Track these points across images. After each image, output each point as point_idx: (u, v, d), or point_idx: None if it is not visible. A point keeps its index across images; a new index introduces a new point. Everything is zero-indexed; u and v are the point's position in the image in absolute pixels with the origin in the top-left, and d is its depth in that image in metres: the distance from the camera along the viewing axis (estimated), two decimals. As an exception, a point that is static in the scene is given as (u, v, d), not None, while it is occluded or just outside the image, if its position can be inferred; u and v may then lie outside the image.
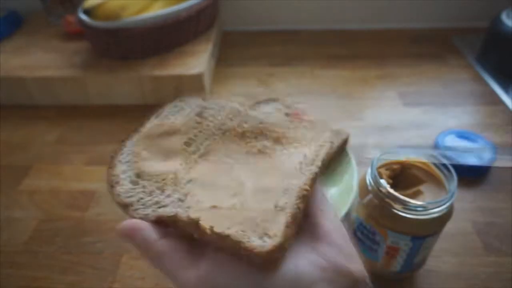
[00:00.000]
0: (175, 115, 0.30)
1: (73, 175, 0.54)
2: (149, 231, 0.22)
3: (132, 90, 0.65)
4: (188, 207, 0.23)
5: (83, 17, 0.64)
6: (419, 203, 0.33)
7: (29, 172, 0.54)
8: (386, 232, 0.35)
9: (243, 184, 0.24)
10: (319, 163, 0.24)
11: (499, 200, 0.49)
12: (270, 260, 0.20)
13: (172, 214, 0.22)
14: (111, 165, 0.27)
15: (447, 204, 0.33)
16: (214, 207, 0.23)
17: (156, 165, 0.26)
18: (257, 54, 0.79)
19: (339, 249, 0.21)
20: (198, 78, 0.63)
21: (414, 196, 0.35)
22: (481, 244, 0.44)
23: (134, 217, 0.24)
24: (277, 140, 0.27)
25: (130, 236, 0.23)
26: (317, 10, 0.86)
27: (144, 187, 0.25)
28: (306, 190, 0.22)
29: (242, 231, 0.20)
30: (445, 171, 0.35)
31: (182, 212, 0.22)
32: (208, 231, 0.21)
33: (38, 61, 0.68)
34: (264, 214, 0.21)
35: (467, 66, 0.74)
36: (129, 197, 0.25)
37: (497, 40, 0.71)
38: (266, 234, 0.20)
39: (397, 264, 0.38)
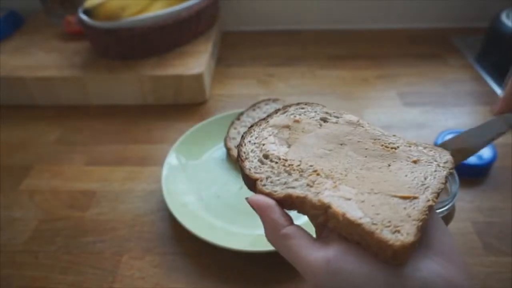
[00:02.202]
0: (300, 115, 0.31)
1: (73, 175, 0.54)
2: (279, 214, 0.24)
3: (132, 90, 0.65)
4: (317, 193, 0.24)
5: (83, 17, 0.64)
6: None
7: (29, 172, 0.54)
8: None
9: (370, 184, 0.25)
10: (442, 181, 0.25)
11: (499, 200, 0.49)
12: (400, 256, 0.20)
13: (303, 195, 0.24)
14: (241, 143, 0.28)
15: (448, 206, 0.33)
16: (345, 197, 0.23)
17: (281, 151, 0.27)
18: (257, 54, 0.79)
19: (457, 266, 0.21)
20: (198, 78, 0.63)
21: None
22: (480, 244, 0.44)
23: (263, 192, 0.25)
24: (388, 153, 0.28)
25: (261, 211, 0.24)
26: (317, 10, 0.86)
27: (272, 167, 0.26)
28: (433, 201, 0.23)
29: (374, 223, 0.21)
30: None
31: (312, 195, 0.24)
32: (341, 217, 0.22)
33: (38, 61, 0.68)
34: (395, 215, 0.22)
35: (467, 66, 0.74)
36: (258, 173, 0.26)
37: (497, 40, 0.71)
38: (398, 231, 0.21)
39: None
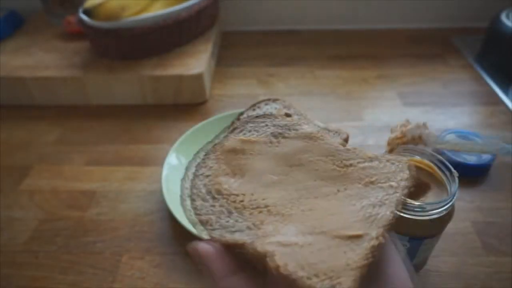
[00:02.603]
0: (250, 131, 0.29)
1: (74, 175, 0.54)
2: (219, 264, 0.22)
3: (132, 90, 0.65)
4: (260, 236, 0.22)
5: (83, 17, 0.64)
6: (417, 203, 0.33)
7: (30, 172, 0.54)
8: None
9: (315, 220, 0.23)
10: (393, 209, 0.22)
11: (499, 200, 0.49)
12: None
13: (240, 242, 0.22)
14: (184, 178, 0.26)
15: (447, 206, 0.33)
16: (285, 242, 0.21)
17: (235, 184, 0.25)
18: (257, 54, 0.79)
19: None
20: (198, 78, 0.63)
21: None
22: (480, 244, 0.44)
23: (202, 237, 0.23)
24: (341, 174, 0.25)
25: (202, 261, 0.22)
26: (317, 10, 0.86)
27: (221, 205, 0.24)
28: (380, 240, 0.21)
29: (309, 278, 0.19)
30: (447, 173, 0.35)
31: (250, 241, 0.22)
32: (274, 271, 0.20)
33: (38, 61, 0.68)
34: (335, 262, 0.20)
35: (467, 66, 0.74)
36: (203, 214, 0.24)
37: (497, 40, 0.71)
38: (337, 284, 0.19)
39: (396, 264, 0.38)
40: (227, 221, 0.23)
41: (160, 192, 0.48)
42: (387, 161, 0.25)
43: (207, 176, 0.26)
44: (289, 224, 0.22)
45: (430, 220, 0.33)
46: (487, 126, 0.60)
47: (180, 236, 0.45)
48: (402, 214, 0.33)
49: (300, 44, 0.82)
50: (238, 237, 0.22)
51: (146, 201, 0.50)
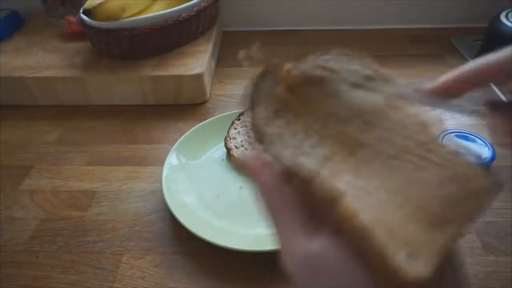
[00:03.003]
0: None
1: (74, 175, 0.54)
2: (268, 175, 0.20)
3: (132, 90, 0.65)
4: (334, 174, 0.19)
5: (84, 17, 0.64)
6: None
7: (30, 172, 0.55)
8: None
9: (400, 183, 0.19)
10: (479, 211, 0.20)
11: (498, 199, 0.49)
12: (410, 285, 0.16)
13: (314, 171, 0.18)
14: (252, 87, 0.23)
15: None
16: (366, 190, 0.18)
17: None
18: (257, 54, 0.79)
19: None
20: (198, 78, 0.63)
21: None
22: (480, 244, 0.44)
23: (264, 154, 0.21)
24: (422, 154, 0.21)
25: (256, 172, 0.20)
26: (317, 10, 0.86)
27: (288, 122, 0.21)
28: (465, 229, 0.19)
29: (392, 239, 0.17)
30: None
31: (326, 176, 0.18)
32: (344, 216, 0.17)
33: (38, 61, 0.68)
34: (417, 235, 0.17)
35: (467, 66, 0.74)
36: (268, 125, 0.21)
37: (496, 40, 0.71)
38: (415, 258, 0.16)
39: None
40: (294, 143, 0.20)
41: (160, 192, 0.48)
42: (470, 166, 0.21)
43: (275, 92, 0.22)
44: (369, 174, 0.19)
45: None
46: (487, 126, 0.60)
47: (180, 235, 0.45)
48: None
49: (300, 44, 0.82)
50: (309, 165, 0.19)
51: (146, 201, 0.50)
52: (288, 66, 0.24)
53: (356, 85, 0.24)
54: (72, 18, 0.73)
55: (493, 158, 0.51)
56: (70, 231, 0.47)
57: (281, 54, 0.79)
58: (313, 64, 0.24)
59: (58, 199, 0.51)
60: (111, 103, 0.67)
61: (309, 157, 0.19)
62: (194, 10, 0.68)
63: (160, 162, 0.52)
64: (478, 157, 0.51)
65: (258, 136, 0.21)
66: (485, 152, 0.52)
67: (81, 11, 0.65)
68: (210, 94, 0.68)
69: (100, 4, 0.62)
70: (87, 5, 0.63)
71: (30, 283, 0.42)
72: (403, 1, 0.84)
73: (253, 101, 0.22)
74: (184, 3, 0.67)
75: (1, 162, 0.56)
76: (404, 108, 0.23)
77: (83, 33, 0.68)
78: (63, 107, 0.67)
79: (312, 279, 0.18)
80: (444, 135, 0.54)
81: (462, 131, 0.55)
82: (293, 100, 0.23)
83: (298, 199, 0.19)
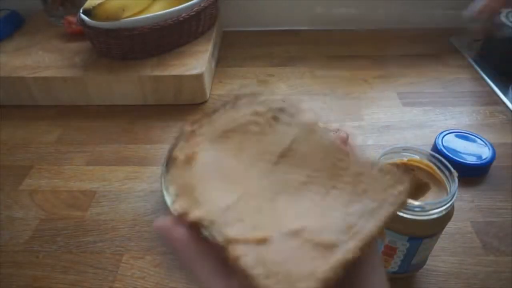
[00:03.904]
0: (245, 110, 0.26)
1: (74, 175, 0.54)
2: (185, 232, 0.21)
3: (132, 90, 0.65)
4: (225, 221, 0.20)
5: (84, 17, 0.64)
6: (417, 203, 0.33)
7: (30, 172, 0.55)
8: (384, 231, 0.35)
9: (292, 219, 0.21)
10: (381, 224, 0.20)
11: (498, 199, 0.49)
12: None
13: (202, 220, 0.20)
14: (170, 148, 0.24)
15: (447, 206, 0.33)
16: (252, 234, 0.20)
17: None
18: (257, 54, 0.79)
19: None
20: (198, 78, 0.63)
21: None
22: (480, 244, 0.44)
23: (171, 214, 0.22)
24: (333, 175, 0.23)
25: (165, 233, 0.21)
26: (317, 10, 0.86)
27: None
28: (356, 253, 0.19)
29: (267, 277, 0.18)
30: (447, 173, 0.35)
31: (218, 226, 0.20)
32: (231, 261, 0.19)
33: (38, 61, 0.68)
34: (299, 267, 0.18)
35: (467, 66, 0.74)
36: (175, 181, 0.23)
37: (496, 40, 0.71)
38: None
39: (394, 265, 0.38)
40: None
41: (160, 192, 0.48)
42: (387, 171, 0.22)
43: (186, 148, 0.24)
44: (261, 216, 0.21)
45: (430, 220, 0.33)
46: (486, 126, 0.60)
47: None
48: (402, 214, 0.33)
49: (300, 44, 0.82)
50: (202, 215, 0.20)
51: (146, 201, 0.50)
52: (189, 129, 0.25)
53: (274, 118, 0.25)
54: (72, 18, 0.73)
55: (493, 158, 0.51)
56: (70, 231, 0.47)
57: (281, 54, 0.79)
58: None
59: (58, 199, 0.51)
60: (111, 103, 0.67)
61: (211, 205, 0.21)
62: (194, 10, 0.68)
63: (160, 162, 0.52)
64: (479, 157, 0.51)
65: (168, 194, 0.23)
66: (485, 152, 0.52)
67: (81, 11, 0.65)
68: (210, 94, 0.68)
69: (100, 4, 0.62)
70: (87, 5, 0.63)
71: (30, 283, 0.42)
72: (403, 1, 0.84)
73: (168, 161, 0.24)
74: (184, 3, 0.67)
75: (1, 162, 0.56)
76: (316, 134, 0.24)
77: (83, 33, 0.68)
78: (63, 107, 0.67)
79: None
80: (445, 136, 0.54)
81: (462, 131, 0.55)
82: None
83: (210, 249, 0.21)
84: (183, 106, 0.66)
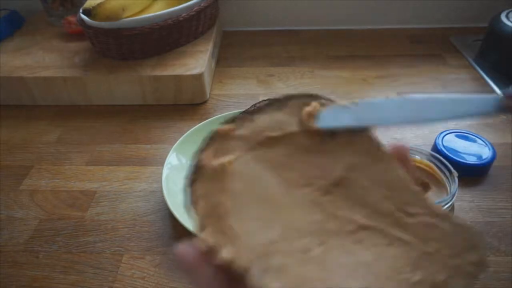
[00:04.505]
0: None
1: (74, 175, 0.54)
2: (213, 274, 0.18)
3: (132, 90, 0.65)
4: (267, 270, 0.16)
5: (83, 17, 0.64)
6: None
7: (30, 172, 0.55)
8: None
9: (334, 272, 0.17)
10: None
11: (498, 199, 0.49)
12: None
13: (240, 266, 0.17)
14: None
15: (447, 206, 0.33)
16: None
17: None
18: (257, 54, 0.79)
19: None
20: (198, 78, 0.63)
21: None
22: (480, 244, 0.44)
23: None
24: (399, 222, 0.18)
25: (189, 268, 0.18)
26: (317, 10, 0.86)
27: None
28: None
29: None
30: (447, 173, 0.35)
31: (255, 273, 0.16)
32: None
33: (38, 61, 0.68)
34: None
35: (467, 66, 0.74)
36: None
37: (496, 40, 0.71)
38: None
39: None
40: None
41: (160, 192, 0.48)
42: (461, 227, 0.18)
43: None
44: (308, 268, 0.17)
45: (430, 219, 0.33)
46: (486, 126, 0.60)
47: (180, 235, 0.45)
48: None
49: (300, 44, 0.82)
50: (235, 256, 0.17)
51: (146, 201, 0.50)
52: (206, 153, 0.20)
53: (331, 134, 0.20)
54: (72, 18, 0.73)
55: (493, 158, 0.51)
56: (70, 231, 0.47)
57: (281, 54, 0.79)
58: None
59: (58, 199, 0.51)
60: (111, 103, 0.67)
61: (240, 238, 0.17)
62: (194, 10, 0.68)
63: (160, 162, 0.52)
64: (479, 157, 0.51)
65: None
66: (485, 152, 0.52)
67: (81, 11, 0.65)
68: (210, 94, 0.68)
69: (100, 4, 0.62)
70: (87, 5, 0.63)
71: (30, 283, 0.41)
72: (403, 1, 0.84)
73: (195, 170, 0.20)
74: (184, 3, 0.67)
75: (1, 162, 0.56)
76: (381, 163, 0.19)
77: (83, 33, 0.68)
78: (63, 107, 0.67)
79: None
80: (445, 136, 0.54)
81: (462, 131, 0.55)
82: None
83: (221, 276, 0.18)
84: (183, 106, 0.66)
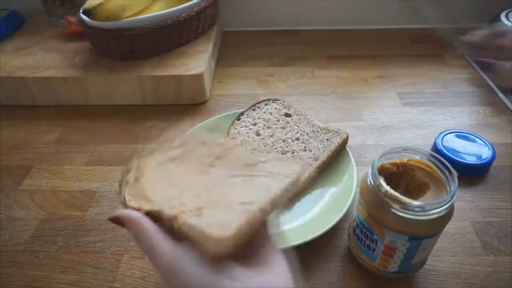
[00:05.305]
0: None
1: (74, 175, 0.54)
2: (142, 215, 0.26)
3: (132, 90, 0.65)
4: (172, 207, 0.26)
5: (84, 17, 0.64)
6: (417, 203, 0.33)
7: (30, 172, 0.55)
8: (384, 231, 0.35)
9: (223, 196, 0.27)
10: (278, 192, 0.26)
11: (498, 199, 0.49)
12: (221, 245, 0.23)
13: (158, 209, 0.26)
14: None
15: (446, 206, 0.33)
16: (190, 209, 0.26)
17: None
18: (257, 54, 0.79)
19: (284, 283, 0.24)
20: (198, 78, 0.64)
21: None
22: (480, 244, 0.44)
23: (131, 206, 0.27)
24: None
25: (126, 217, 0.26)
26: (317, 10, 0.86)
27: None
28: (265, 212, 0.25)
29: (202, 224, 0.24)
30: (447, 173, 0.35)
31: (166, 210, 0.26)
32: (181, 226, 0.24)
33: (38, 61, 0.68)
34: (227, 216, 0.25)
35: (467, 66, 0.74)
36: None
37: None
38: (223, 228, 0.23)
39: (394, 264, 0.38)
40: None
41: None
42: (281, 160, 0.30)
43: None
44: (199, 200, 0.27)
45: (430, 220, 0.33)
46: (486, 126, 0.60)
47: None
48: (402, 214, 0.33)
49: (300, 44, 0.83)
50: (152, 207, 0.27)
51: (146, 201, 0.50)
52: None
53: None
54: (72, 18, 0.73)
55: (493, 158, 0.51)
56: (70, 231, 0.47)
57: (281, 54, 0.79)
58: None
59: (58, 199, 0.51)
60: (111, 103, 0.67)
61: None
62: (194, 10, 0.68)
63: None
64: (479, 157, 0.51)
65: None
66: (485, 152, 0.52)
67: (81, 11, 0.65)
68: (210, 94, 0.68)
69: (100, 4, 0.62)
70: (87, 5, 0.63)
71: (30, 283, 0.42)
72: (403, 1, 0.84)
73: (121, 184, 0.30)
74: (184, 3, 0.67)
75: (1, 162, 0.56)
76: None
77: (83, 33, 0.68)
78: (63, 107, 0.67)
79: (174, 278, 0.24)
80: (445, 136, 0.54)
81: (462, 131, 0.55)
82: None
83: (162, 227, 0.26)
84: (183, 106, 0.66)
